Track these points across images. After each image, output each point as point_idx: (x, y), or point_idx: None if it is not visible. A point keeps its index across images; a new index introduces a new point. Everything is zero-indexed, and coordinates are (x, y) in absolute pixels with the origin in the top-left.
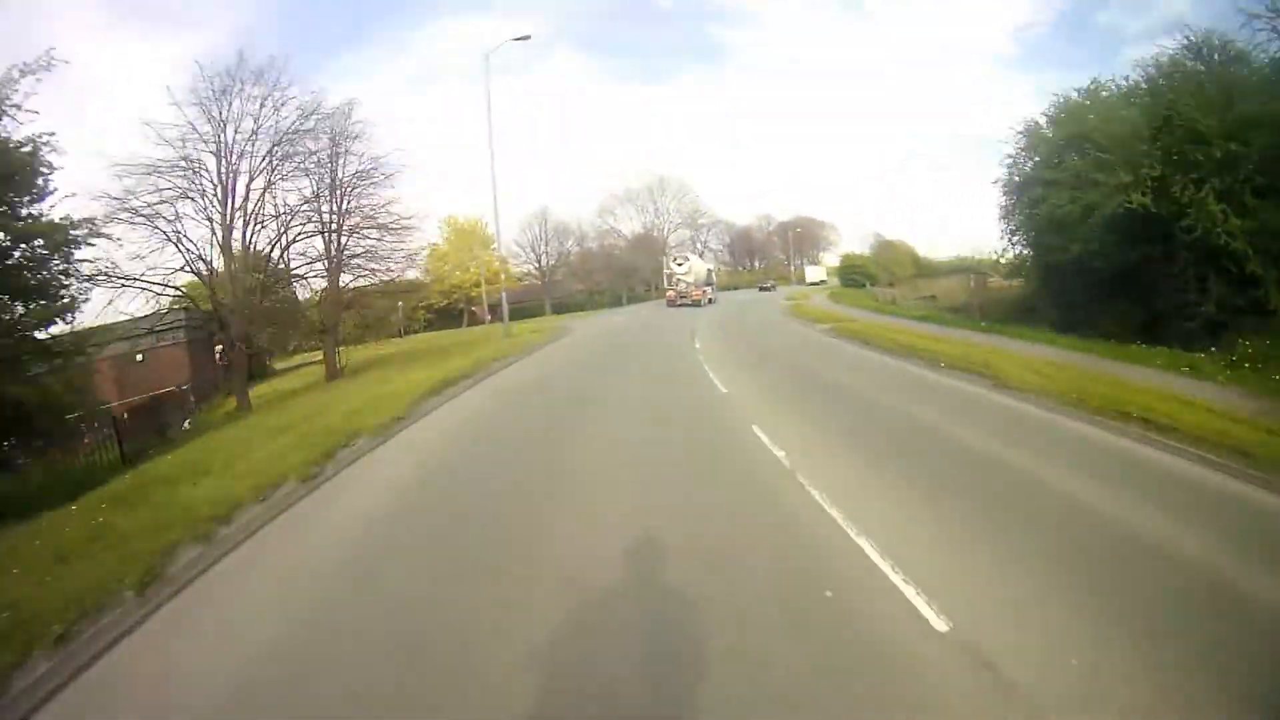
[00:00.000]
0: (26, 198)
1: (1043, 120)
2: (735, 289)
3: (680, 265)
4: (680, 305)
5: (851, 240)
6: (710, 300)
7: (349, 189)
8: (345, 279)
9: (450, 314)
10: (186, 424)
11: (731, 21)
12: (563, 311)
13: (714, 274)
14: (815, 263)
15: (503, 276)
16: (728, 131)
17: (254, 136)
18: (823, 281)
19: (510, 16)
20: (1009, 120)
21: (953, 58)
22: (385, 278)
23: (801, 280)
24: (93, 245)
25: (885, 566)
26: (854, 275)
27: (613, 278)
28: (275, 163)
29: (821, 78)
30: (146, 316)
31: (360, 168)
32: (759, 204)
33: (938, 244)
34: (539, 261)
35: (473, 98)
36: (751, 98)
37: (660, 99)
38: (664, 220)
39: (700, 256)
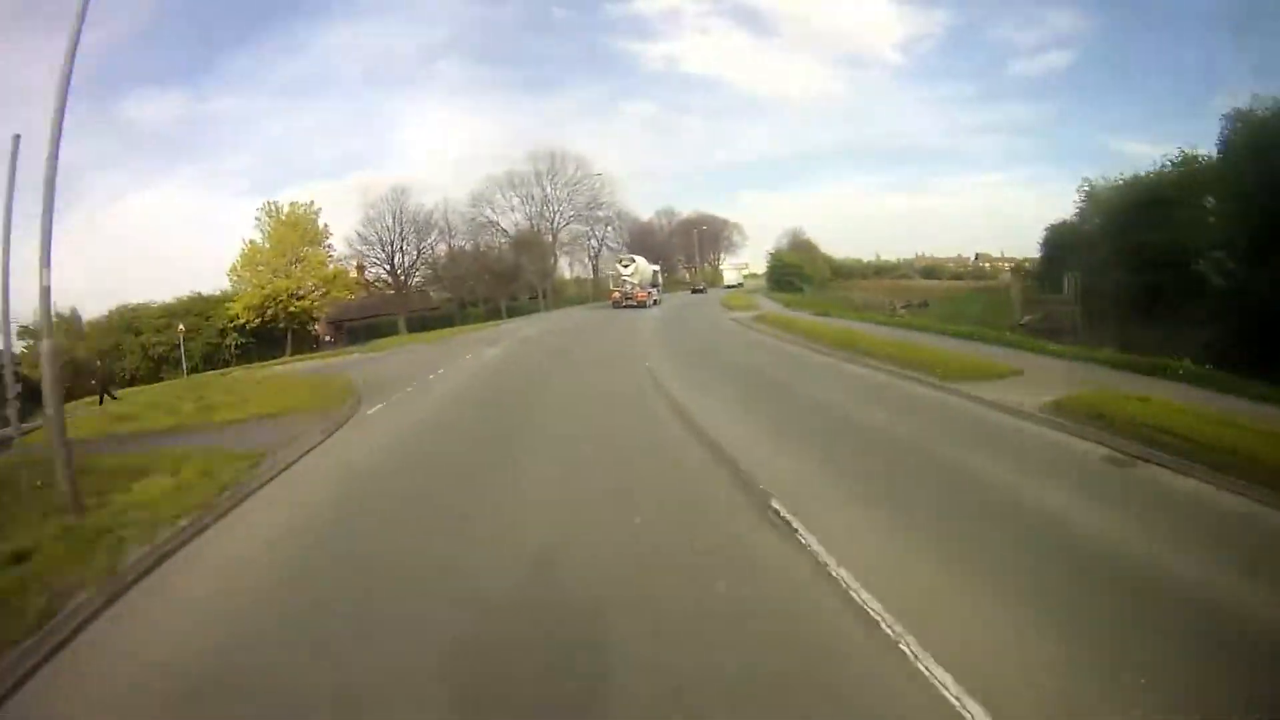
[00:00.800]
0: None
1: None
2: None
3: (626, 267)
4: (625, 307)
5: (760, 241)
6: (656, 302)
7: None
8: None
9: (272, 337)
10: None
11: (633, 35)
12: (422, 328)
13: (659, 275)
14: (720, 264)
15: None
16: (623, 134)
17: None
18: (740, 284)
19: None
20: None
21: (846, 67)
22: None
23: (714, 283)
24: None
25: None
26: (789, 276)
27: (490, 284)
28: None
29: (723, 85)
30: None
31: None
32: (658, 199)
33: (839, 246)
34: (391, 261)
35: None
36: (652, 103)
37: (557, 110)
38: (554, 211)
39: (598, 256)
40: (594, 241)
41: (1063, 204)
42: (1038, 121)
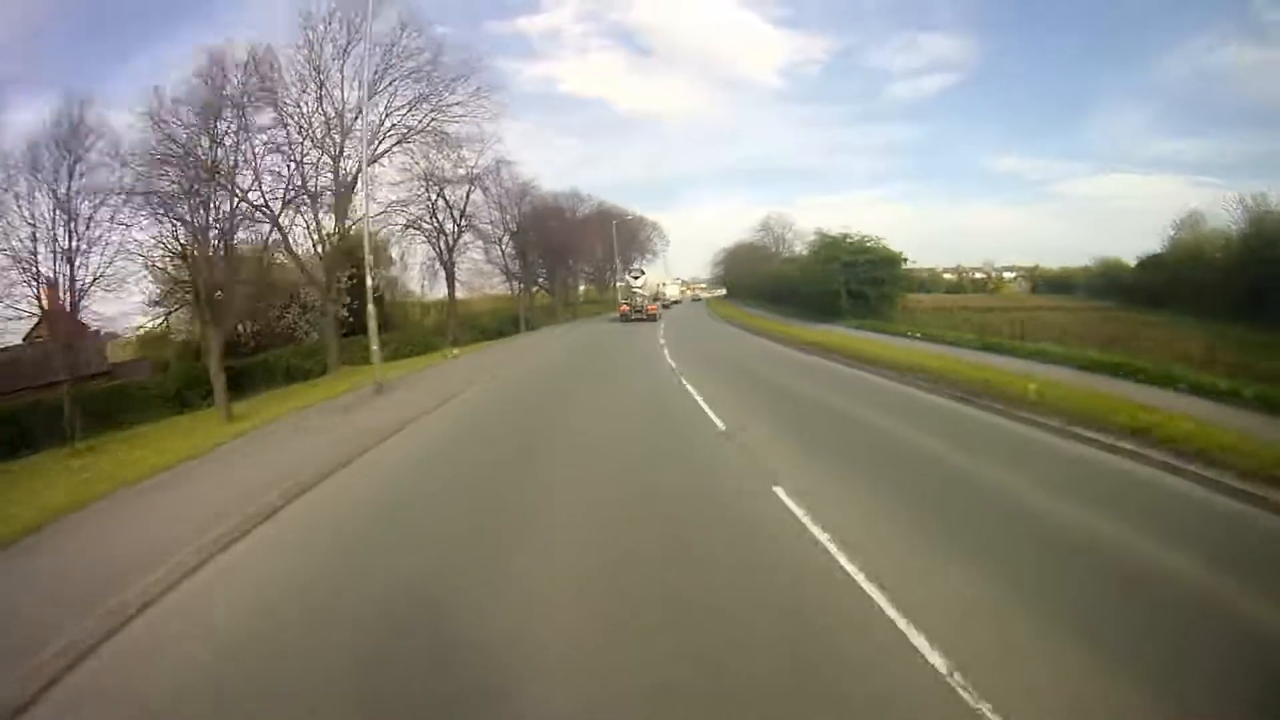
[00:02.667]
0: None
1: None
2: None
3: (637, 279)
4: (635, 320)
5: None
6: (669, 305)
7: None
8: None
9: None
10: None
11: (515, 54)
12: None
13: (664, 287)
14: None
15: None
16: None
17: None
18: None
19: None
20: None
21: (730, 91)
22: None
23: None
24: None
25: None
26: (833, 285)
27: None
28: None
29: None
30: None
31: None
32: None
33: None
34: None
35: None
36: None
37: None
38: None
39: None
40: (451, 222)
41: (945, 218)
42: (915, 141)
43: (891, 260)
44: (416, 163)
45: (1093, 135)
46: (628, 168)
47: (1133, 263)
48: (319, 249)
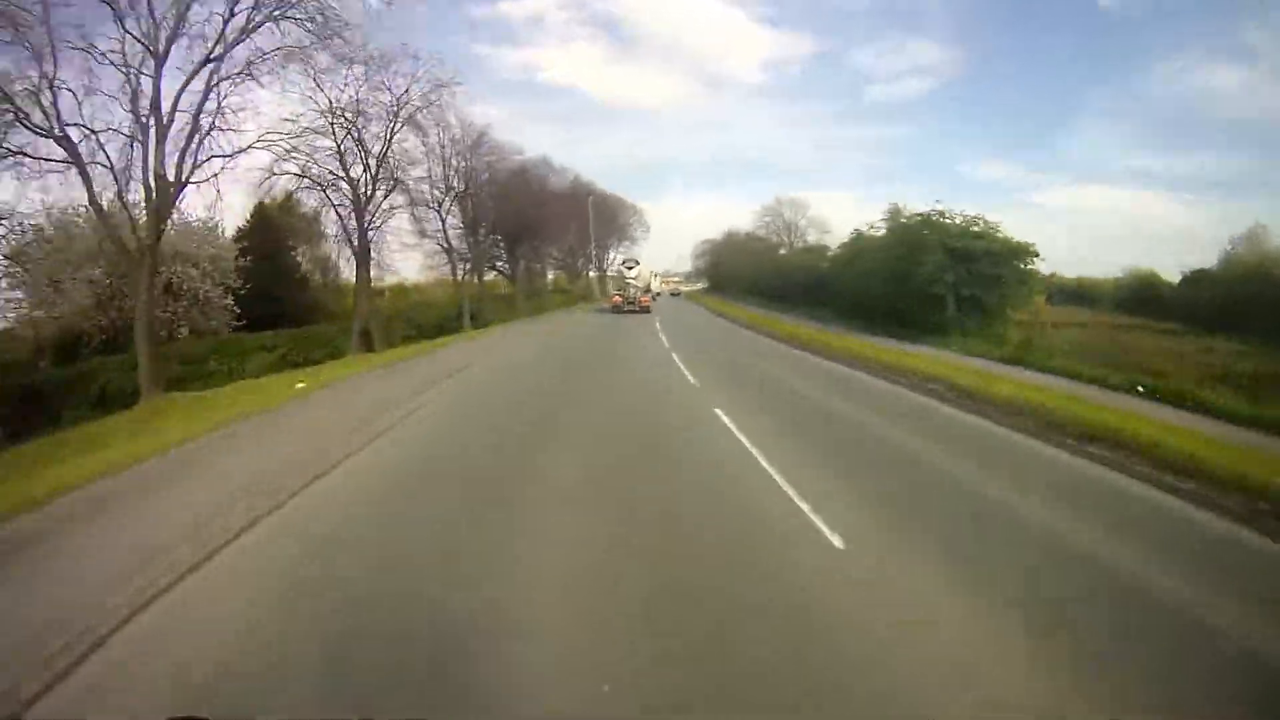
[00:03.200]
0: None
1: None
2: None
3: (631, 269)
4: (628, 311)
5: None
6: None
7: None
8: None
9: None
10: None
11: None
12: None
13: (656, 277)
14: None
15: None
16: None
17: None
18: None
19: None
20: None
21: (711, 85)
22: None
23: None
24: None
25: None
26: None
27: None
28: None
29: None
30: None
31: None
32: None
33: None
34: None
35: None
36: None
37: None
38: None
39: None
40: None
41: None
42: (895, 143)
43: (1018, 252)
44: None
45: (1072, 147)
46: (605, 157)
47: (1173, 277)
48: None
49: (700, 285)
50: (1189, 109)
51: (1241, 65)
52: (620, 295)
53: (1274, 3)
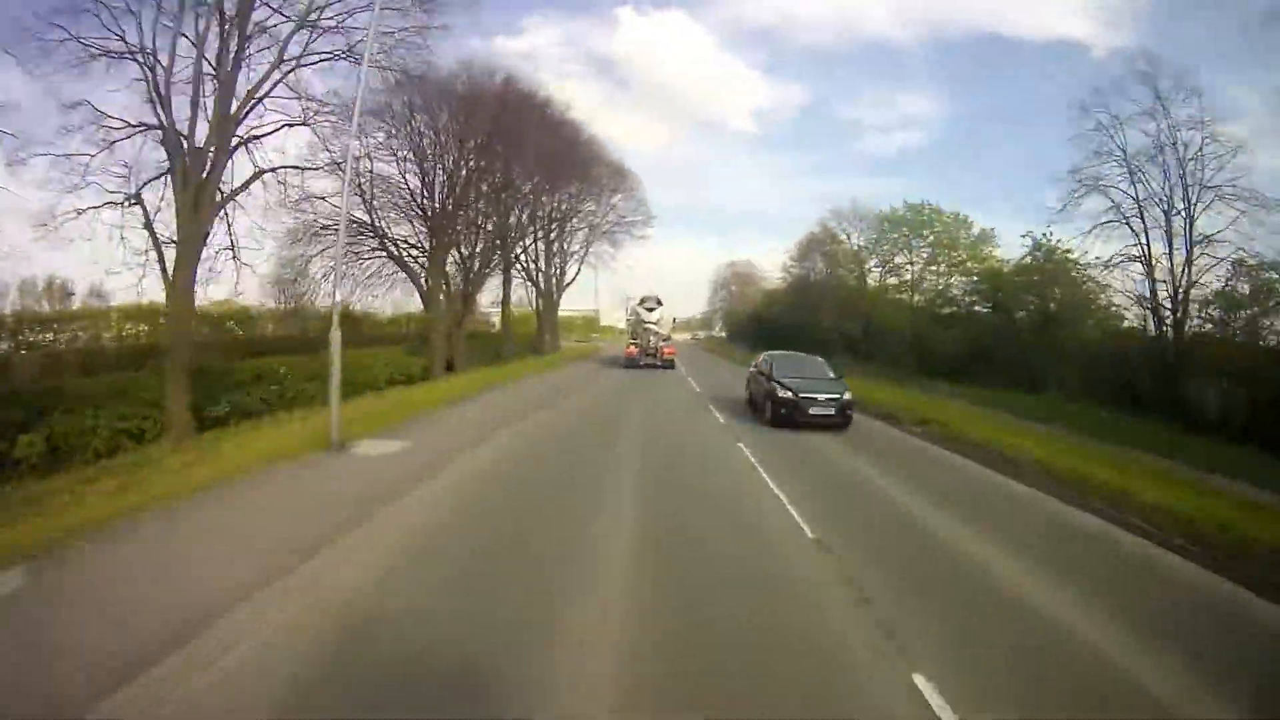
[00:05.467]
0: None
1: None
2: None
3: (651, 311)
4: (646, 366)
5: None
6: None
7: None
8: None
9: None
10: None
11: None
12: None
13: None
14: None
15: None
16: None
17: None
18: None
19: None
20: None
21: (704, 130)
22: None
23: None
24: None
25: None
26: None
27: None
28: None
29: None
30: None
31: None
32: None
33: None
34: None
35: None
36: None
37: None
38: None
39: None
40: None
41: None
42: (883, 195)
43: None
44: None
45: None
46: None
47: None
48: None
49: (701, 334)
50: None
51: (1233, 122)
52: (636, 345)
53: (1264, 58)
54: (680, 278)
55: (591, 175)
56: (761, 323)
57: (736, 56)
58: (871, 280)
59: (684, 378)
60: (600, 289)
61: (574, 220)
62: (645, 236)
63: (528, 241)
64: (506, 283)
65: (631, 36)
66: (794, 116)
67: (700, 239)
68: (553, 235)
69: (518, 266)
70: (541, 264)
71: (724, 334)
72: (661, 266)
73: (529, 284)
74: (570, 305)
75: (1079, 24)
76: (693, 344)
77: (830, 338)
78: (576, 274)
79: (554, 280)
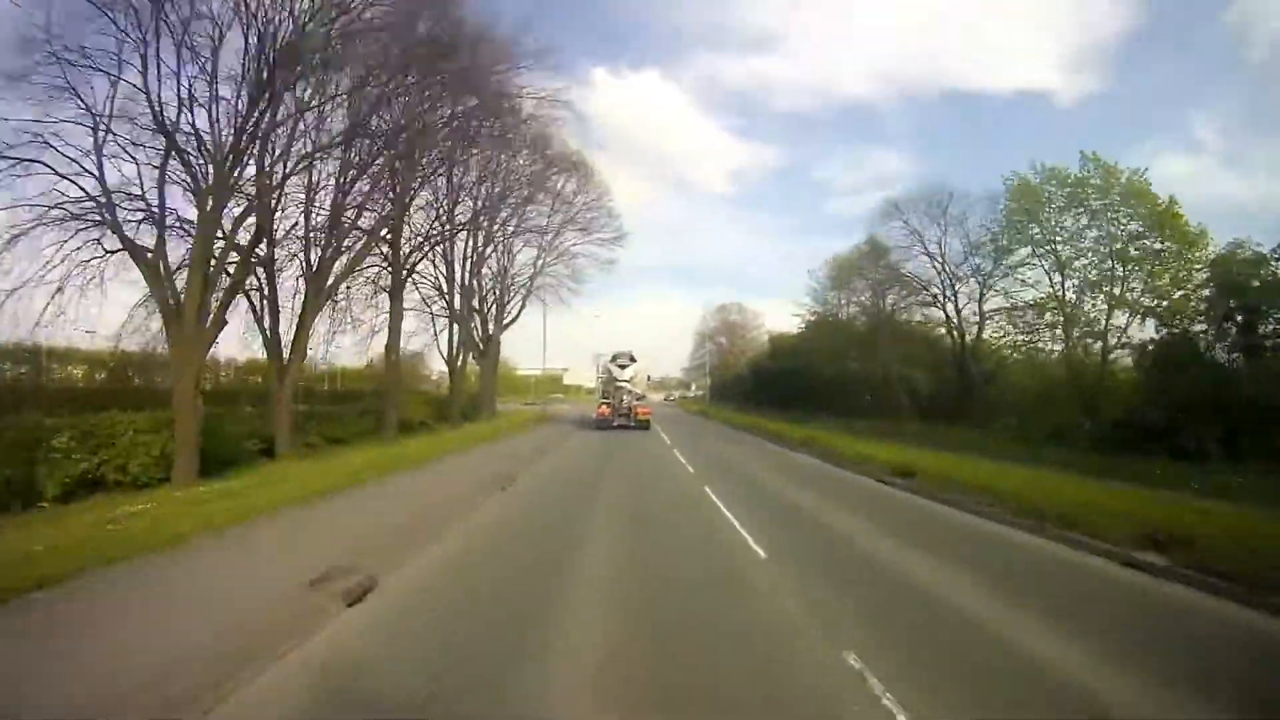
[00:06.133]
0: None
1: None
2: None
3: (623, 368)
4: (618, 428)
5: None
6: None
7: None
8: None
9: None
10: None
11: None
12: None
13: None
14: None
15: None
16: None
17: None
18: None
19: None
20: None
21: (679, 191)
22: None
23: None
24: None
25: None
26: None
27: None
28: None
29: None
30: None
31: None
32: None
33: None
34: None
35: None
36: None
37: None
38: None
39: None
40: None
41: None
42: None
43: None
44: None
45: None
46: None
47: None
48: None
49: (676, 394)
50: None
51: (1191, 156)
52: (608, 404)
53: (1223, 99)
54: (655, 339)
55: (546, 156)
56: (762, 375)
57: (713, 119)
58: (971, 309)
59: (664, 442)
60: (565, 347)
61: (509, 200)
62: (613, 261)
63: (437, 244)
64: (396, 304)
65: (608, 98)
66: (768, 178)
67: (679, 298)
68: (482, 235)
69: (421, 282)
70: (467, 281)
71: (702, 393)
72: (637, 327)
73: (451, 322)
74: (531, 364)
75: (1044, 76)
76: (665, 404)
77: (881, 392)
78: (520, 311)
79: (489, 314)
